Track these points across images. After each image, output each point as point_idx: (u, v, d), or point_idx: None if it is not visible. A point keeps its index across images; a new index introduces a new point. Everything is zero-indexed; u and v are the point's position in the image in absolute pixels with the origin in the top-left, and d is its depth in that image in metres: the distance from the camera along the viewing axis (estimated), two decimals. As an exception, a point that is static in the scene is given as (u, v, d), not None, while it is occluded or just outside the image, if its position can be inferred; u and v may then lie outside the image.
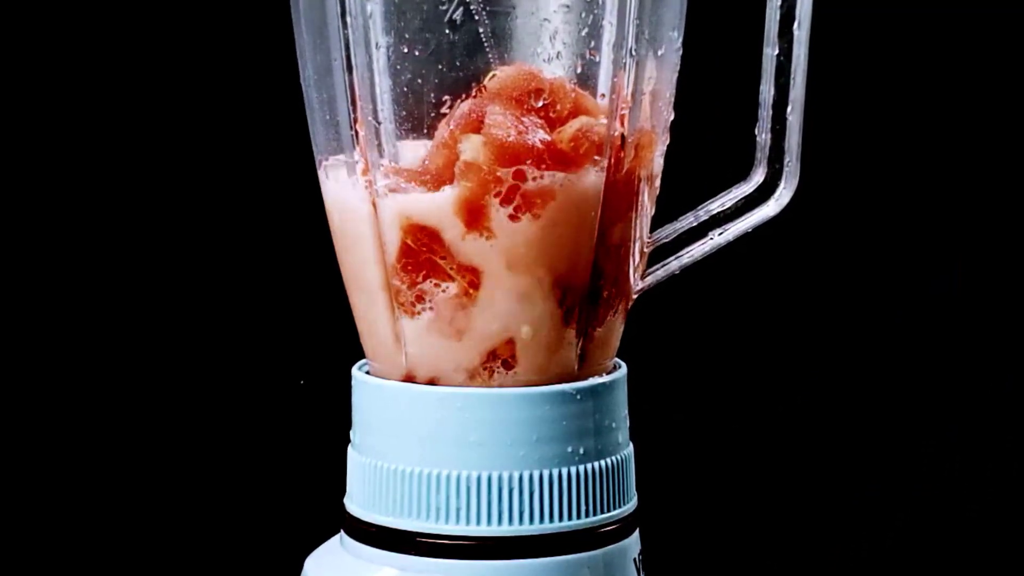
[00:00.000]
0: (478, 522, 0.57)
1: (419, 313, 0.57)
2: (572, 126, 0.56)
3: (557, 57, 0.57)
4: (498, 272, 0.56)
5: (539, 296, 0.57)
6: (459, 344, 0.57)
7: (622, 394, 0.60)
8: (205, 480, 0.83)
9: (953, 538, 0.80)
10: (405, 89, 0.56)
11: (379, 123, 0.57)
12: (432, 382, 0.58)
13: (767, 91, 0.60)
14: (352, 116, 0.57)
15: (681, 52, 0.60)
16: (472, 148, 0.56)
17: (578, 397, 0.58)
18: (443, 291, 0.57)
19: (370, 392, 0.59)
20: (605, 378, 0.59)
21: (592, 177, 0.57)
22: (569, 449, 0.57)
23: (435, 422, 0.57)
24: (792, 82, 0.60)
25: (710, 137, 0.70)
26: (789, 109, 0.60)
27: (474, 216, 0.56)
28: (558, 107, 0.57)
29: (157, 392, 0.86)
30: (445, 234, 0.56)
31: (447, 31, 0.56)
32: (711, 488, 0.83)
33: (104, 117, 0.86)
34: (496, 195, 0.56)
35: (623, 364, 0.61)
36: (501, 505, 0.57)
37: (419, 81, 0.56)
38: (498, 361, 0.57)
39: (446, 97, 0.57)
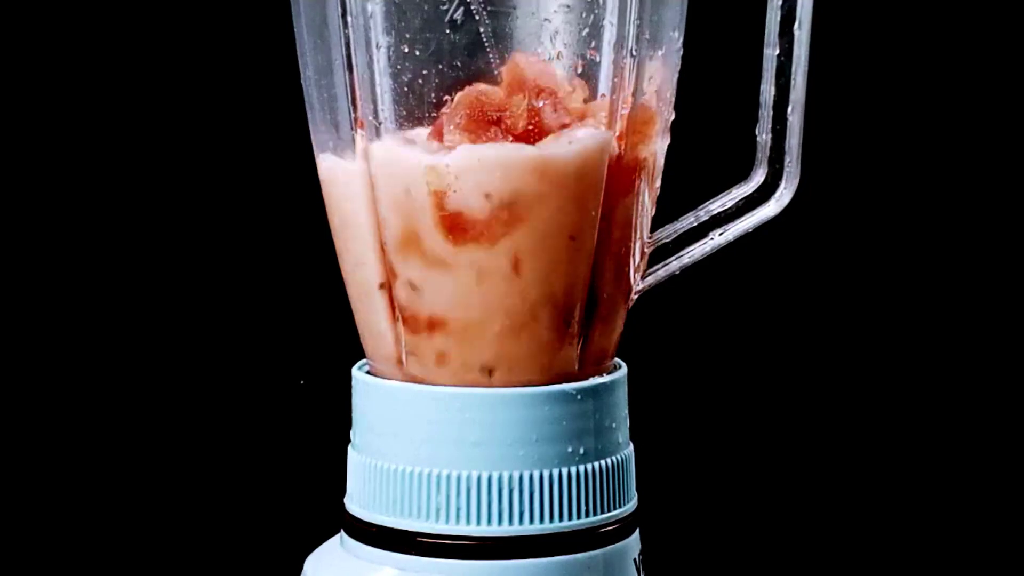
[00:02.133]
0: (478, 522, 0.57)
1: (418, 312, 0.57)
2: (516, 105, 0.56)
3: (558, 57, 0.57)
4: (497, 272, 0.56)
5: (539, 296, 0.57)
6: (459, 344, 0.57)
7: (622, 394, 0.60)
8: (205, 480, 0.83)
9: (952, 540, 0.80)
10: (406, 89, 0.56)
11: (379, 123, 0.57)
12: (432, 382, 0.58)
13: (767, 91, 0.60)
14: (353, 115, 0.57)
15: (681, 52, 0.60)
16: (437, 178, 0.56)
17: (578, 397, 0.57)
18: (442, 291, 0.57)
19: (370, 392, 0.59)
20: (605, 378, 0.59)
21: (591, 179, 0.57)
22: (569, 449, 0.57)
23: (435, 422, 0.57)
24: (792, 82, 0.60)
25: (710, 137, 0.70)
26: (789, 109, 0.60)
27: (469, 224, 0.56)
28: (510, 120, 0.56)
29: (157, 392, 0.86)
30: (443, 237, 0.56)
31: (447, 31, 0.56)
32: (711, 488, 0.83)
33: (104, 117, 0.86)
34: (489, 199, 0.56)
35: (623, 364, 0.61)
36: (501, 505, 0.57)
37: (419, 81, 0.56)
38: (498, 361, 0.57)
39: (446, 97, 0.56)
